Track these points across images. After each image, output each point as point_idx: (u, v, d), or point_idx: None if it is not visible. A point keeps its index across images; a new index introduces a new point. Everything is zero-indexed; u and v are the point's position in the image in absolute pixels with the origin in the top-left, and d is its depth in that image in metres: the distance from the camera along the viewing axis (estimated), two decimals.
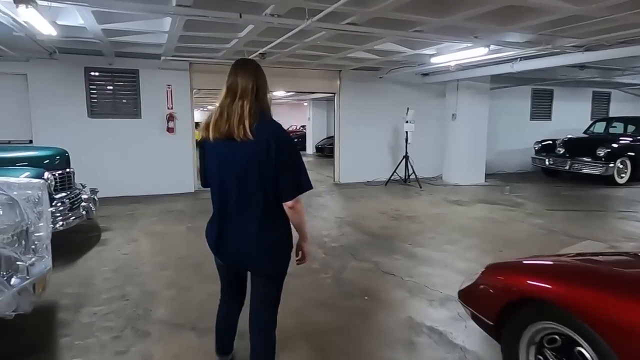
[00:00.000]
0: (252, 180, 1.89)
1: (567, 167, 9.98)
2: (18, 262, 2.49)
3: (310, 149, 19.01)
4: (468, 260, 4.52)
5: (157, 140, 8.33)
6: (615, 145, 9.70)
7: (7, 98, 7.49)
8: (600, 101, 13.31)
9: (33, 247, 2.76)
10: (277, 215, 1.96)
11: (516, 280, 2.09)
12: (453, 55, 6.98)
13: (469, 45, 6.45)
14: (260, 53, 6.17)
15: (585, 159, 9.73)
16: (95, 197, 5.48)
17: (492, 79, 9.93)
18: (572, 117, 12.62)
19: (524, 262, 2.32)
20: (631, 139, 10.19)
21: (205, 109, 40.34)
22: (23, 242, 2.62)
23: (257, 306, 2.07)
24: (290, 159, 1.91)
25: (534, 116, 12.25)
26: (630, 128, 11.21)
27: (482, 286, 2.26)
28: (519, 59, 7.72)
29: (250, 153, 1.87)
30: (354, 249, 4.90)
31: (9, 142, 7.23)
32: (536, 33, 5.71)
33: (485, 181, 10.14)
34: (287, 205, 1.91)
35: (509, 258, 4.49)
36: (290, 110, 25.60)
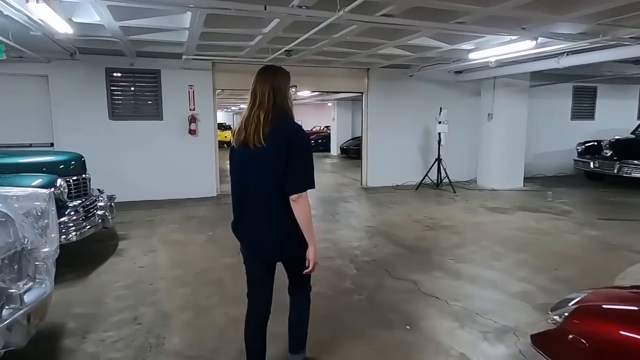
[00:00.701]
0: (267, 183, 2.04)
1: (614, 171, 9.17)
2: (10, 291, 2.15)
3: (334, 150, 18.56)
4: (521, 281, 3.98)
5: (179, 143, 8.05)
6: None
7: (28, 100, 7.34)
8: None
9: (31, 269, 2.42)
10: (288, 209, 2.04)
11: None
12: (494, 50, 6.40)
13: (513, 38, 5.89)
14: (285, 50, 5.77)
15: (636, 161, 8.92)
16: (112, 204, 5.20)
17: (532, 76, 9.25)
18: (617, 117, 11.73)
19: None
20: None
21: (229, 110, 40.48)
22: (16, 266, 2.28)
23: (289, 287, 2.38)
24: (299, 158, 2.01)
25: (576, 116, 11.44)
26: None
27: (571, 336, 1.76)
28: (566, 54, 7.07)
29: (264, 159, 2.03)
30: (388, 264, 4.43)
31: (30, 145, 7.08)
32: (593, 23, 5.08)
33: (524, 186, 9.46)
34: (291, 199, 2.01)
35: (570, 279, 3.95)
36: (314, 110, 25.23)
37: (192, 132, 8.07)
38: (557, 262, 4.48)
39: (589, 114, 11.61)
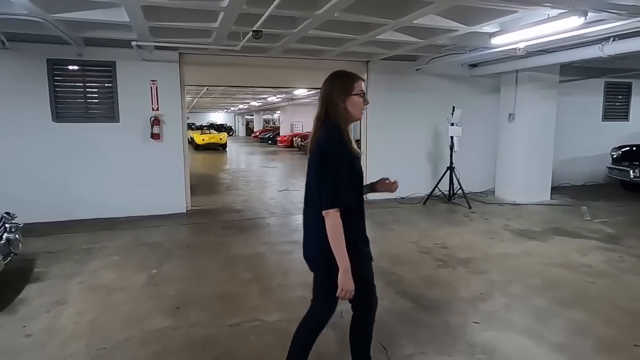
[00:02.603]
0: (310, 193, 2.07)
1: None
2: None
3: None
4: None
5: (139, 149, 6.73)
6: None
7: None
8: None
9: None
10: (321, 224, 1.93)
11: None
12: (524, 32, 4.98)
13: (552, 14, 4.49)
14: (253, 31, 4.43)
15: None
16: (18, 236, 3.88)
17: (560, 70, 7.83)
18: None
19: None
20: None
21: (229, 110, 39.25)
22: None
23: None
24: (324, 172, 1.93)
25: (608, 116, 9.96)
26: None
27: None
28: (612, 38, 5.65)
29: (309, 169, 2.05)
30: (384, 333, 3.05)
31: None
32: None
33: (551, 198, 8.03)
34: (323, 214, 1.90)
35: None
36: (315, 110, 23.88)
37: (155, 136, 6.73)
38: (635, 330, 3.07)
39: (623, 114, 10.13)
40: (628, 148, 8.87)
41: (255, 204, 7.93)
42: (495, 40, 5.42)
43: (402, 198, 8.08)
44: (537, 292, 3.79)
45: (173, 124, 6.90)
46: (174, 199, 6.99)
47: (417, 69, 8.01)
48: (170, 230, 5.99)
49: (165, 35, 5.67)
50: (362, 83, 2.06)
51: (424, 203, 7.65)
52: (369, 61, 7.87)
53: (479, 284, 4.00)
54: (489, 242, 5.33)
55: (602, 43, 5.74)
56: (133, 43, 5.61)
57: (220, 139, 22.56)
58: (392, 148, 8.16)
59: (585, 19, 4.27)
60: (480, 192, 8.50)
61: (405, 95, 8.17)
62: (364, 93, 2.04)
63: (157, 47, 6.39)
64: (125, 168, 6.67)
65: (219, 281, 4.10)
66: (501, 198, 8.18)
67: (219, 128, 36.46)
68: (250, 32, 4.54)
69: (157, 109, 6.76)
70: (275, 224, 6.40)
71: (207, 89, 13.25)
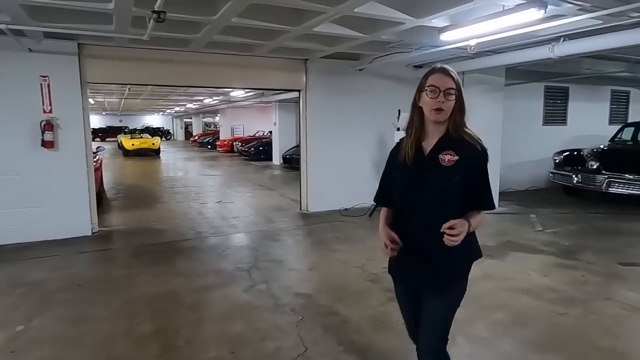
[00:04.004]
0: None
1: (603, 187, 7.65)
2: None
3: (277, 159, 16.28)
4: None
5: (27, 160, 5.46)
6: None
7: None
8: (619, 102, 11.19)
9: None
10: None
11: None
12: (476, 27, 4.43)
13: (509, 6, 3.97)
14: (154, 12, 3.48)
15: (627, 175, 7.42)
16: None
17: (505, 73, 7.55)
18: (588, 121, 10.43)
19: None
20: None
21: (165, 113, 36.89)
22: None
23: None
24: None
25: (548, 120, 9.96)
26: None
27: None
28: (562, 39, 5.31)
29: None
30: None
31: None
32: None
33: (499, 205, 7.70)
34: None
35: None
36: (259, 114, 22.87)
37: (47, 144, 5.49)
38: None
39: (562, 119, 10.19)
40: (569, 152, 8.83)
41: (181, 222, 6.86)
42: (444, 36, 4.83)
43: (346, 209, 7.39)
44: (504, 332, 3.17)
45: (72, 130, 5.69)
46: (75, 219, 5.77)
47: (360, 69, 7.37)
48: (63, 262, 4.81)
49: (51, 18, 4.54)
50: (440, 76, 1.72)
51: (370, 215, 7.00)
52: (307, 59, 7.10)
53: None
54: None
55: (553, 43, 5.39)
56: (2, 26, 4.40)
57: (153, 143, 20.81)
58: (335, 155, 7.45)
59: (545, 12, 3.78)
60: None
61: (347, 98, 7.50)
62: (436, 88, 1.70)
63: (47, 35, 5.21)
64: (6, 184, 5.38)
65: (108, 339, 3.09)
66: None
67: (155, 132, 34.28)
68: (152, 16, 3.56)
69: (50, 111, 5.52)
70: (199, 248, 5.41)
71: (129, 88, 11.83)
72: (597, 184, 7.74)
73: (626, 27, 4.60)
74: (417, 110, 1.78)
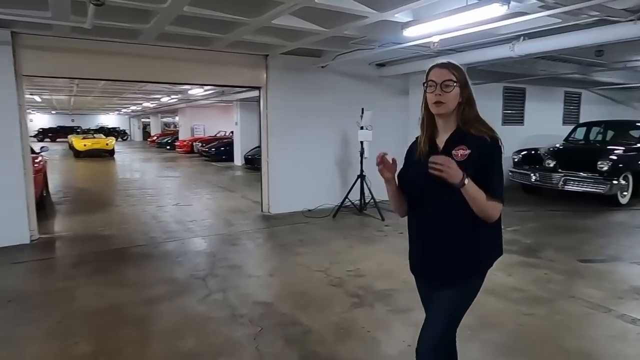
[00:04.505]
0: None
1: (559, 185, 7.85)
2: None
3: (238, 160, 15.85)
4: None
5: None
6: (615, 157, 7.71)
7: None
8: (572, 103, 11.62)
9: None
10: None
11: None
12: (442, 21, 4.33)
13: (473, 1, 3.89)
14: None
15: (582, 174, 7.65)
16: None
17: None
18: (544, 122, 10.75)
19: None
20: (624, 149, 8.29)
21: (121, 112, 35.18)
22: None
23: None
24: None
25: (507, 120, 10.16)
26: (609, 134, 9.53)
27: None
28: (522, 38, 5.34)
29: None
30: None
31: None
32: None
33: None
34: None
35: None
36: (220, 113, 22.29)
37: None
38: None
39: (519, 119, 10.44)
40: (527, 152, 9.03)
41: (133, 226, 6.40)
42: (408, 32, 4.70)
43: (309, 211, 7.18)
44: (471, 336, 3.05)
45: (5, 128, 5.15)
46: (10, 226, 5.23)
47: (322, 66, 7.18)
48: None
49: None
50: (437, 70, 1.73)
51: (334, 216, 6.82)
52: (268, 55, 6.83)
53: (404, 330, 3.16)
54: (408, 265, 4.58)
55: (513, 42, 5.42)
56: None
57: (107, 144, 19.78)
58: (297, 154, 7.22)
59: (508, 7, 3.72)
60: None
61: (310, 96, 7.29)
62: (433, 82, 1.72)
63: None
64: None
65: None
66: None
67: (110, 132, 32.77)
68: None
69: None
70: (150, 255, 5.01)
71: (78, 84, 11.05)
72: (554, 182, 7.94)
73: (582, 27, 4.68)
74: (426, 108, 1.78)
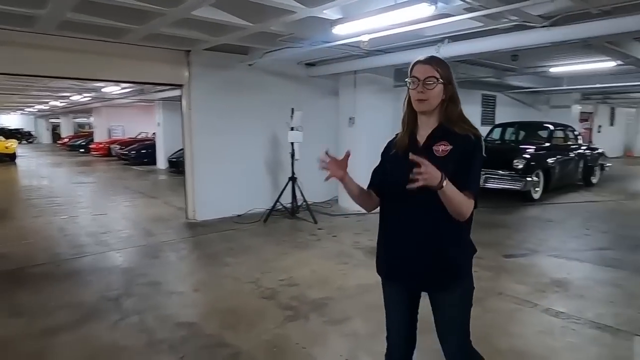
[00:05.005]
0: None
1: (481, 183, 8.23)
2: None
3: (162, 163, 14.88)
4: None
5: None
6: (528, 156, 8.28)
7: None
8: (488, 105, 12.39)
9: None
10: None
11: None
12: (371, 20, 4.24)
13: (401, 0, 3.84)
14: None
15: (500, 172, 8.11)
16: None
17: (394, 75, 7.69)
18: None
19: None
20: (535, 148, 8.95)
21: (24, 112, 31.59)
22: None
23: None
24: None
25: None
26: (522, 134, 10.30)
27: None
28: (447, 40, 5.47)
29: None
30: None
31: None
32: None
33: None
34: None
35: None
36: (141, 113, 20.82)
37: None
38: None
39: None
40: None
41: (34, 242, 5.59)
42: (337, 30, 4.57)
43: (239, 216, 6.82)
44: None
45: None
46: None
47: (250, 64, 6.86)
48: None
49: None
50: (420, 66, 1.68)
51: (265, 221, 6.53)
52: (190, 50, 6.36)
53: (341, 343, 2.99)
54: (343, 270, 4.45)
55: (438, 44, 5.52)
56: None
57: (7, 147, 17.58)
58: (225, 157, 6.83)
59: (436, 7, 3.72)
60: (324, 202, 7.82)
61: (238, 95, 6.93)
62: (415, 78, 1.67)
63: None
64: None
65: None
66: (345, 207, 7.61)
67: (12, 134, 29.29)
68: None
69: None
70: (53, 276, 4.34)
71: None
72: None
73: (501, 31, 4.86)
74: (409, 105, 1.75)
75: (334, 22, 4.50)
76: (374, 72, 7.15)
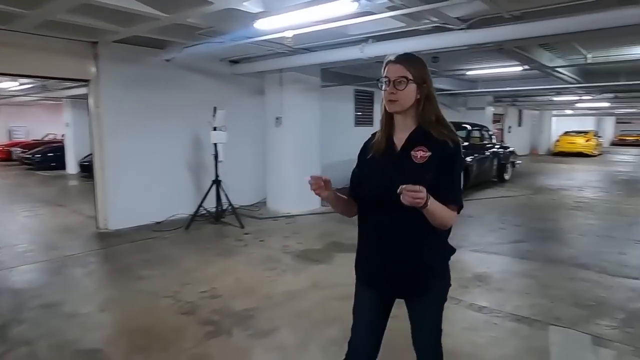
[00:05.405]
0: None
1: None
2: None
3: (72, 167, 13.55)
4: None
5: None
6: None
7: None
8: None
9: None
10: None
11: None
12: (294, 14, 4.07)
13: None
14: None
15: None
16: None
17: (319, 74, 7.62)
18: None
19: None
20: None
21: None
22: None
23: None
24: None
25: (359, 122, 10.65)
26: None
27: None
28: (370, 40, 5.48)
29: None
30: None
31: None
32: None
33: (322, 205, 7.76)
34: None
35: None
36: (47, 113, 18.84)
37: None
38: None
39: (369, 120, 11.05)
40: None
41: None
42: (259, 24, 4.35)
43: (158, 223, 6.31)
44: (340, 352, 2.82)
45: None
46: None
47: (167, 60, 6.37)
48: None
49: None
50: (391, 65, 1.61)
51: (187, 227, 6.09)
52: (97, 42, 5.75)
53: (267, 358, 2.77)
54: (271, 276, 4.23)
55: (362, 44, 5.52)
56: None
57: None
58: (141, 159, 6.28)
59: (359, 4, 3.65)
60: (252, 205, 7.54)
61: (155, 93, 6.41)
62: (387, 78, 1.61)
63: None
64: None
65: None
66: (274, 210, 7.40)
67: None
68: None
69: None
70: None
71: None
72: None
73: (422, 32, 4.96)
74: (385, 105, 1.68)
75: (255, 16, 4.27)
76: (300, 71, 7.02)
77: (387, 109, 1.65)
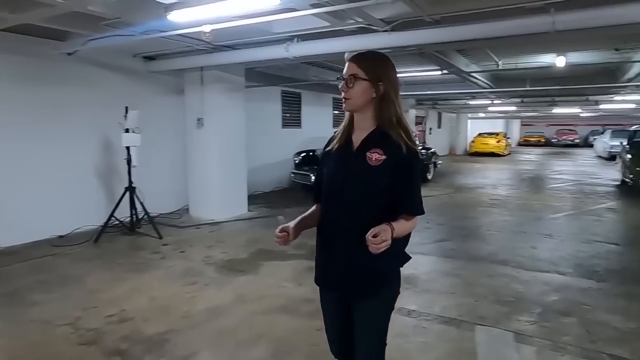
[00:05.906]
0: None
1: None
2: None
3: None
4: None
5: None
6: None
7: None
8: (339, 108, 12.92)
9: None
10: None
11: None
12: (211, 7, 3.75)
13: None
14: None
15: None
16: None
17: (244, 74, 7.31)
18: (318, 124, 11.59)
19: None
20: None
21: None
22: None
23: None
24: None
25: (286, 123, 10.46)
26: None
27: None
28: (295, 39, 5.32)
29: None
30: None
31: None
32: None
33: (249, 210, 7.46)
34: None
35: None
36: None
37: None
38: None
39: (297, 122, 10.92)
40: (305, 153, 9.48)
41: None
42: (173, 16, 3.96)
43: (61, 237, 5.60)
44: None
45: None
46: None
47: (69, 53, 5.67)
48: None
49: None
50: (347, 64, 1.60)
51: (96, 240, 5.45)
52: None
53: None
54: (190, 292, 3.87)
55: (288, 43, 5.34)
56: None
57: None
58: (39, 166, 5.53)
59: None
60: (172, 213, 7.02)
61: (55, 91, 5.68)
62: (341, 76, 1.61)
63: None
64: None
65: None
66: (197, 217, 6.95)
67: None
68: None
69: None
70: None
71: None
72: None
73: (348, 33, 4.90)
74: None
75: (168, 7, 3.89)
76: (223, 69, 6.66)
77: (343, 107, 1.63)
